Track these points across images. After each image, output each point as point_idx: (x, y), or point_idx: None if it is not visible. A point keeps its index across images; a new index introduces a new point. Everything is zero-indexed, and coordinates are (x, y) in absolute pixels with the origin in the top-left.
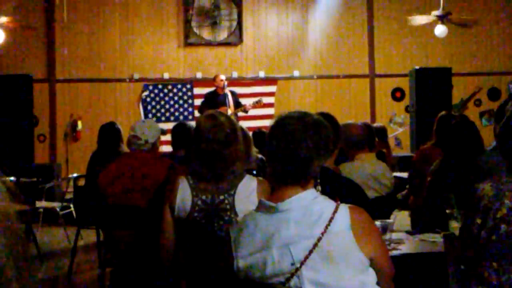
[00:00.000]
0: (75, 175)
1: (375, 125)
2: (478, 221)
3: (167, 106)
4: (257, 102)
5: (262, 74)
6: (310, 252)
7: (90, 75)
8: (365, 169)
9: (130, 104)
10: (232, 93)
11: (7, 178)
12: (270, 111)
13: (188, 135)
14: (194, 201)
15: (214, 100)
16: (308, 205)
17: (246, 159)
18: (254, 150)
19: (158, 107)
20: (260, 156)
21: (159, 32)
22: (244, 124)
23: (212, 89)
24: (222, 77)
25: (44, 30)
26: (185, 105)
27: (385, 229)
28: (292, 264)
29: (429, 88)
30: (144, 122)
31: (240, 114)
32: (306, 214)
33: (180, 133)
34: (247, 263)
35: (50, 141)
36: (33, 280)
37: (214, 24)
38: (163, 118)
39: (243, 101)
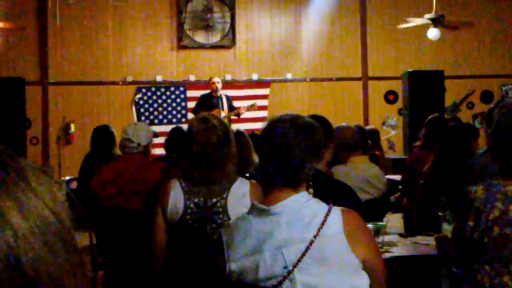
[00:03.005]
0: (67, 178)
1: (368, 127)
2: (471, 223)
3: (160, 109)
4: (251, 106)
5: (255, 76)
6: (303, 255)
7: (83, 78)
8: (358, 171)
9: (123, 107)
10: (227, 96)
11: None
12: (263, 113)
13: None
14: (187, 204)
15: (208, 102)
16: (301, 208)
17: (247, 163)
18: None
19: (151, 110)
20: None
21: (152, 35)
22: (236, 126)
23: (207, 91)
24: (216, 79)
25: (37, 32)
26: (178, 108)
27: (377, 232)
28: (285, 267)
29: (422, 91)
30: (136, 125)
31: (233, 117)
32: (299, 217)
33: (176, 136)
34: (239, 266)
35: (42, 144)
36: None
37: (207, 27)
38: (156, 121)
39: (236, 103)
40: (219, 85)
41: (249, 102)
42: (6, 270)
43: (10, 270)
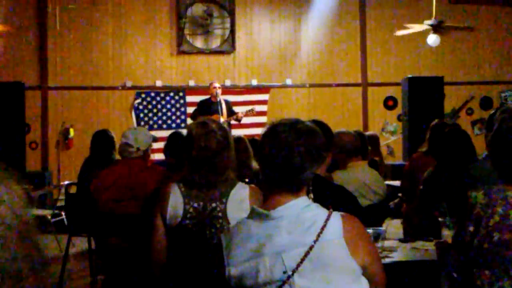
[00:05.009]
0: (66, 182)
1: (367, 133)
2: (471, 229)
3: (159, 114)
4: (249, 111)
5: (254, 82)
6: (302, 260)
7: (82, 83)
8: (357, 177)
9: (122, 112)
10: (226, 101)
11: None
12: (262, 119)
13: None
14: (186, 209)
15: (207, 107)
16: (301, 213)
17: (245, 169)
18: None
19: (150, 115)
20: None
21: (152, 40)
22: (236, 132)
23: (206, 97)
24: (216, 85)
25: (36, 37)
26: (178, 113)
27: (377, 237)
28: (284, 272)
29: (422, 97)
30: (136, 130)
31: (233, 122)
32: (299, 221)
33: (175, 141)
34: (239, 270)
35: (42, 149)
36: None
37: (207, 32)
38: (155, 126)
39: (236, 109)
40: (219, 91)
41: (248, 108)
42: None
43: None
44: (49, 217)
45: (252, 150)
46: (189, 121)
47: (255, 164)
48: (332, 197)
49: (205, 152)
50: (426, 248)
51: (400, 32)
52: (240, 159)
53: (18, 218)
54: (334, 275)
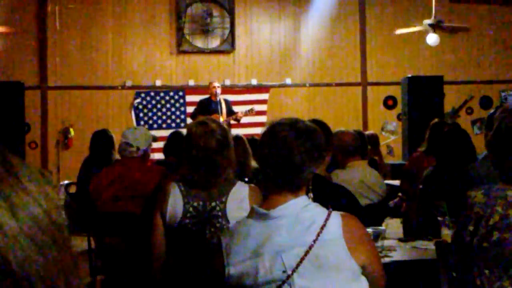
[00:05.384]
0: (66, 182)
1: (367, 132)
2: (470, 228)
3: (159, 114)
4: (249, 111)
5: (254, 81)
6: (302, 259)
7: (82, 82)
8: (357, 176)
9: (122, 112)
10: (226, 101)
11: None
12: (262, 118)
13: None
14: (186, 208)
15: (207, 107)
16: (300, 212)
17: (244, 168)
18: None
19: (150, 114)
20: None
21: (151, 40)
22: (236, 131)
23: (206, 96)
24: (216, 84)
25: (36, 37)
26: (178, 113)
27: (377, 237)
28: (284, 271)
29: (421, 96)
30: (135, 129)
31: (232, 122)
32: (298, 221)
33: (175, 141)
34: (238, 270)
35: (41, 148)
36: None
37: (207, 32)
38: (155, 126)
39: (236, 108)
40: (219, 90)
41: (248, 107)
42: None
43: None
44: None
45: (251, 150)
46: (189, 120)
47: (254, 164)
48: (331, 197)
49: (204, 152)
50: (425, 248)
51: (399, 31)
52: (240, 159)
53: (53, 223)
54: (333, 275)
